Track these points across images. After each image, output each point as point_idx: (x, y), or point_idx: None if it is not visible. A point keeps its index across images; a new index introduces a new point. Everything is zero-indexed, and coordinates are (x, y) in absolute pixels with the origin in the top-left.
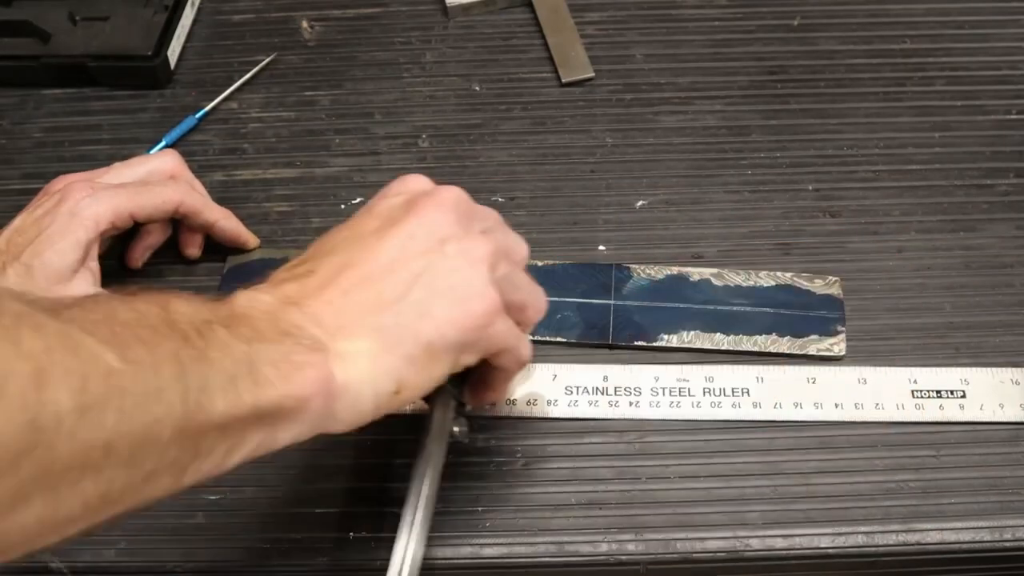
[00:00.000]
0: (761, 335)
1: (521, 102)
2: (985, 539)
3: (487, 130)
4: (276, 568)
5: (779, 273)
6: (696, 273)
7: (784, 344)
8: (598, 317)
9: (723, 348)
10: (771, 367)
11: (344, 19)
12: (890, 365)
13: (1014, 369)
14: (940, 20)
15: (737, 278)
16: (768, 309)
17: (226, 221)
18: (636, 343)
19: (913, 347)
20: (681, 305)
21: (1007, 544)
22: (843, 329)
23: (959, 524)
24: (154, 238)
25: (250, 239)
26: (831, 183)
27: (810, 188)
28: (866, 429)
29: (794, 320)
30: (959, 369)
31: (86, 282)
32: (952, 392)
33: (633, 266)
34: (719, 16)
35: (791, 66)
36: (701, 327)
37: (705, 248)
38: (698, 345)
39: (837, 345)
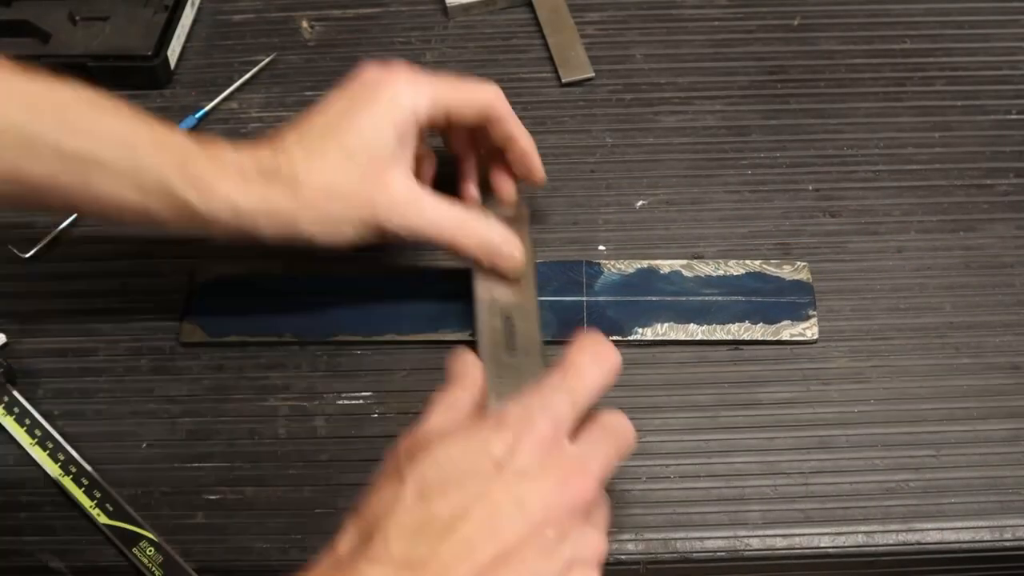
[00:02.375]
0: (734, 323)
1: (521, 102)
2: (985, 539)
3: None
4: (276, 568)
5: (748, 261)
6: (666, 265)
7: (758, 331)
8: (572, 314)
9: (697, 339)
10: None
11: (344, 19)
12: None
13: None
14: (940, 20)
15: (707, 268)
16: (740, 297)
17: (527, 141)
18: (611, 338)
19: (913, 347)
20: (653, 298)
21: (1007, 544)
22: (814, 313)
23: (959, 524)
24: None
25: (541, 172)
26: (831, 183)
27: (810, 188)
28: (866, 429)
29: (766, 307)
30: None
31: (403, 174)
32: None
33: (603, 261)
34: (719, 16)
35: (791, 66)
36: (674, 319)
37: (705, 248)
38: (672, 337)
39: (810, 329)
